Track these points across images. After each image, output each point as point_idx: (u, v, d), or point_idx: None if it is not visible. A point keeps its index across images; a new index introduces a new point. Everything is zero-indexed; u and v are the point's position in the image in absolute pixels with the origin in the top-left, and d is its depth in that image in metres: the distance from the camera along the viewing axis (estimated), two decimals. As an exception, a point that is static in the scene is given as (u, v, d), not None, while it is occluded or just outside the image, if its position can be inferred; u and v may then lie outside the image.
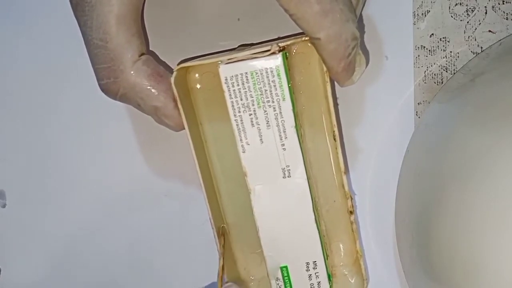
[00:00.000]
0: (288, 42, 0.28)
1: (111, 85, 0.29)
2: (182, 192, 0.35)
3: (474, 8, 0.32)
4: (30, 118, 0.36)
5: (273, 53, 0.28)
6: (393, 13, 0.33)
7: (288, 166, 0.29)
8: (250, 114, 0.29)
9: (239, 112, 0.29)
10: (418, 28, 0.33)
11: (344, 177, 0.30)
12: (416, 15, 0.33)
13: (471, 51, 0.33)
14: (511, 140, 0.26)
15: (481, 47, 0.32)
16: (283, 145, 0.29)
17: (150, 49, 0.33)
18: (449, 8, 0.32)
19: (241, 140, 0.29)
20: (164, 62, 0.33)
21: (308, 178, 0.29)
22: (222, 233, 0.31)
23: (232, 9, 0.33)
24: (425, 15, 0.33)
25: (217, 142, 0.32)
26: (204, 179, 0.30)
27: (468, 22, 0.32)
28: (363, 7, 0.32)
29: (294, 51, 0.30)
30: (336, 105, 0.33)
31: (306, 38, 0.28)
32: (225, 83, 0.28)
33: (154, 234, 0.35)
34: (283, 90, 0.28)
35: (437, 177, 0.29)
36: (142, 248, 0.35)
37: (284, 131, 0.29)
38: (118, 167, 0.35)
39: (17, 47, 0.35)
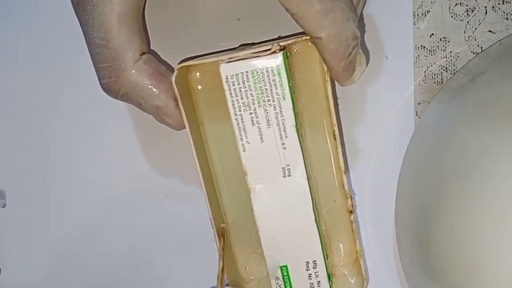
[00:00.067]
0: (289, 42, 0.28)
1: (112, 84, 0.29)
2: (182, 192, 0.35)
3: (474, 8, 0.32)
4: (30, 118, 0.36)
5: (274, 52, 0.28)
6: (393, 13, 0.33)
7: (288, 165, 0.29)
8: (251, 113, 0.29)
9: (240, 111, 0.29)
10: (418, 28, 0.33)
11: (344, 177, 0.30)
12: (416, 15, 0.33)
13: (471, 51, 0.33)
14: (511, 140, 0.26)
15: (481, 47, 0.32)
16: (283, 144, 0.29)
17: (151, 48, 0.33)
18: (449, 8, 0.32)
19: (241, 139, 0.29)
20: (165, 61, 0.33)
21: (308, 178, 0.29)
22: (222, 234, 0.31)
23: (232, 9, 0.33)
24: (425, 15, 0.33)
25: (218, 141, 0.32)
26: (204, 178, 0.30)
27: (468, 22, 0.32)
28: (363, 6, 0.32)
29: (295, 50, 0.30)
30: (336, 104, 0.33)
31: (307, 38, 0.28)
32: (226, 82, 0.28)
33: (154, 234, 0.35)
34: (283, 89, 0.28)
35: (437, 177, 0.29)
36: (142, 248, 0.35)
37: (285, 130, 0.29)
38: (118, 167, 0.35)
39: (17, 47, 0.35)
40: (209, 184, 0.31)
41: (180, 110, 0.29)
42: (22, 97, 0.36)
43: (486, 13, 0.32)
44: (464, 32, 0.32)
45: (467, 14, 0.32)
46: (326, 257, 0.31)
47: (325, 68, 0.28)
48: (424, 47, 0.33)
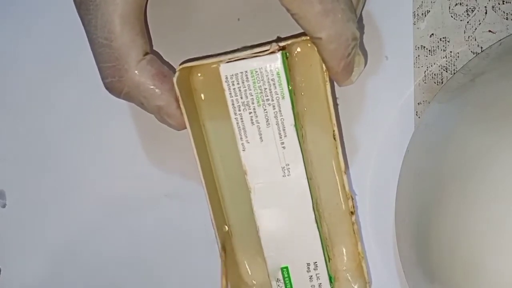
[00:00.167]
0: (288, 42, 0.29)
1: (115, 84, 0.29)
2: (182, 192, 0.35)
3: (474, 8, 0.32)
4: (30, 118, 0.36)
5: (273, 52, 0.28)
6: (393, 13, 0.33)
7: (288, 164, 0.29)
8: (250, 113, 0.29)
9: (239, 110, 0.29)
10: (418, 28, 0.33)
11: (345, 177, 0.30)
12: (416, 15, 0.33)
13: (471, 51, 0.33)
14: (511, 140, 0.26)
15: (481, 47, 0.32)
16: (282, 143, 0.29)
17: (154, 49, 0.33)
18: (449, 8, 0.32)
19: (241, 138, 0.29)
20: (167, 62, 0.33)
21: (309, 179, 0.29)
22: (223, 247, 0.31)
23: (232, 9, 0.33)
24: (425, 15, 0.33)
25: (219, 141, 0.32)
26: (205, 179, 0.30)
27: (468, 22, 0.32)
28: (363, 7, 0.32)
29: (295, 52, 0.30)
30: (336, 105, 0.33)
31: (306, 38, 0.28)
32: (226, 81, 0.28)
33: (155, 234, 0.35)
34: (282, 89, 0.28)
35: (437, 177, 0.29)
36: (142, 248, 0.35)
37: (284, 130, 0.29)
38: (118, 167, 0.35)
39: (17, 46, 0.35)
40: (210, 186, 0.31)
41: (181, 111, 0.29)
42: (22, 96, 0.36)
43: (486, 13, 0.32)
44: (464, 32, 0.32)
45: (467, 14, 0.32)
46: (328, 259, 0.31)
47: (324, 68, 0.29)
48: (424, 47, 0.33)
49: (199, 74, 0.31)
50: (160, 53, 0.33)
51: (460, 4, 0.32)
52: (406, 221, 0.31)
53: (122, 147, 0.35)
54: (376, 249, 0.34)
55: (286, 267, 0.30)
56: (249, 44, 0.31)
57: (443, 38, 0.33)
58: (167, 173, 0.35)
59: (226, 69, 0.28)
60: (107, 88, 0.30)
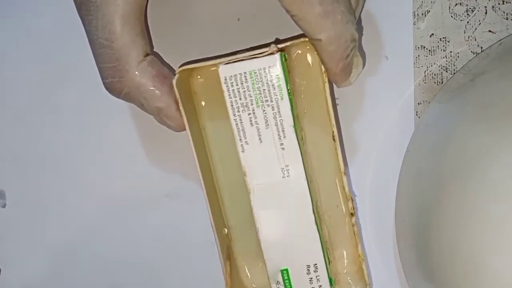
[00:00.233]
0: (287, 44, 0.29)
1: (115, 84, 0.29)
2: (182, 192, 0.35)
3: (474, 8, 0.32)
4: (30, 118, 0.36)
5: (272, 53, 0.28)
6: (393, 13, 0.33)
7: (287, 165, 0.29)
8: (249, 114, 0.29)
9: (238, 111, 0.29)
10: (418, 28, 0.33)
11: (344, 178, 0.30)
12: (416, 15, 0.33)
13: (471, 51, 0.33)
14: (511, 140, 0.26)
15: (481, 47, 0.32)
16: (281, 144, 0.29)
17: (154, 50, 0.33)
18: (449, 8, 0.32)
19: (240, 139, 0.29)
20: (166, 62, 0.33)
21: (308, 181, 0.29)
22: (228, 257, 0.31)
23: (232, 9, 0.33)
24: (425, 15, 0.33)
25: (218, 144, 0.32)
26: (205, 182, 0.30)
27: (468, 22, 0.32)
28: (362, 9, 0.32)
29: (295, 55, 0.30)
30: (335, 105, 0.33)
31: (305, 39, 0.28)
32: (225, 83, 0.29)
33: (154, 234, 0.35)
34: (281, 90, 0.28)
35: (437, 177, 0.29)
36: (142, 248, 0.35)
37: (283, 131, 0.29)
38: (118, 167, 0.35)
39: (17, 46, 0.35)
40: (210, 188, 0.31)
41: (180, 112, 0.29)
42: (22, 96, 0.36)
43: (486, 13, 0.32)
44: (464, 32, 0.32)
45: (467, 14, 0.32)
46: (328, 262, 0.30)
47: (323, 69, 0.29)
48: (424, 47, 0.33)
49: (198, 77, 0.31)
50: (161, 54, 0.33)
51: (460, 4, 0.32)
52: (406, 221, 0.31)
53: (122, 147, 0.35)
54: (376, 249, 0.34)
55: (286, 269, 0.30)
56: (248, 45, 0.31)
57: (443, 38, 0.33)
58: (167, 173, 0.35)
59: (225, 70, 0.28)
60: (107, 89, 0.30)
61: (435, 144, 0.30)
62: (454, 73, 0.33)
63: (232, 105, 0.29)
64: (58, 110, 0.35)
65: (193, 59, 0.32)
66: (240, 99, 0.29)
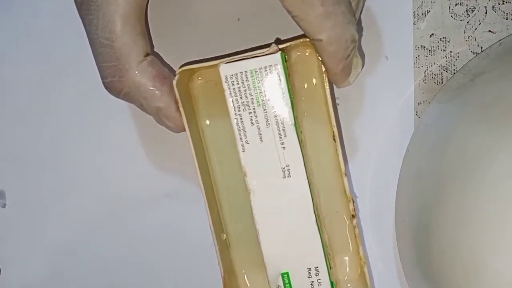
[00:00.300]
0: (287, 44, 0.29)
1: (115, 84, 0.29)
2: (182, 192, 0.35)
3: (474, 8, 0.32)
4: (30, 118, 0.36)
5: (272, 52, 0.28)
6: (393, 13, 0.33)
7: (288, 165, 0.29)
8: (250, 113, 0.29)
9: (239, 110, 0.29)
10: (418, 28, 0.33)
11: (345, 179, 0.30)
12: (416, 15, 0.33)
13: (471, 51, 0.33)
14: (511, 140, 0.26)
15: (481, 47, 0.32)
16: (282, 143, 0.29)
17: (154, 50, 0.33)
18: (449, 8, 0.32)
19: (240, 139, 0.29)
20: (168, 64, 0.33)
21: (309, 183, 0.29)
22: (223, 248, 0.31)
23: (232, 9, 0.33)
24: (425, 15, 0.33)
25: (218, 145, 0.32)
26: (204, 184, 0.30)
27: (468, 22, 0.32)
28: (362, 9, 0.32)
29: (295, 57, 0.30)
30: (335, 105, 0.33)
31: (305, 40, 0.28)
32: (225, 81, 0.29)
33: (154, 234, 0.35)
34: (282, 89, 0.28)
35: (437, 177, 0.29)
36: (142, 248, 0.35)
37: (284, 129, 0.29)
38: (118, 167, 0.35)
39: (17, 46, 0.35)
40: (209, 190, 0.31)
41: (180, 113, 0.29)
42: (22, 96, 0.36)
43: (486, 13, 0.32)
44: (464, 32, 0.32)
45: (467, 14, 0.32)
46: (329, 266, 0.30)
47: (323, 69, 0.29)
48: (424, 47, 0.33)
49: (199, 78, 0.31)
50: (161, 54, 0.33)
51: (460, 4, 0.32)
52: (406, 221, 0.31)
53: (122, 147, 0.35)
54: (376, 249, 0.34)
55: (287, 273, 0.30)
56: (249, 45, 0.31)
57: (443, 38, 0.33)
58: (167, 173, 0.35)
59: (226, 69, 0.28)
60: (106, 88, 0.30)
61: (435, 144, 0.30)
62: (454, 73, 0.33)
63: (233, 104, 0.29)
64: (58, 110, 0.35)
65: (193, 59, 0.32)
66: (241, 98, 0.29)
